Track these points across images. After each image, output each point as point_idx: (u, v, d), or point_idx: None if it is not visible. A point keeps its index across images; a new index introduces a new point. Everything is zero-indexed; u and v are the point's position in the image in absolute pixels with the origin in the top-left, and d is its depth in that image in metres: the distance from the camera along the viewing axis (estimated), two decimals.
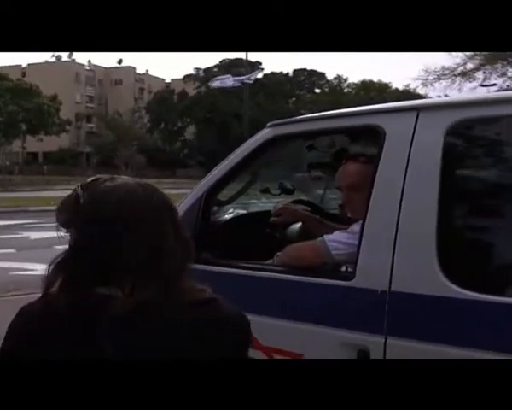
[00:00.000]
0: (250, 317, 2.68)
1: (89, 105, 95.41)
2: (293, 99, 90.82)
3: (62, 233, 1.43)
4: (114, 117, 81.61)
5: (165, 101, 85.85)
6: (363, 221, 2.56)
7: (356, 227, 2.71)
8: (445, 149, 2.43)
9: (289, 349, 2.62)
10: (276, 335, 2.70)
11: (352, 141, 3.43)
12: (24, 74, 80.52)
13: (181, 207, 3.07)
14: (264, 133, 3.12)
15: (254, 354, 2.66)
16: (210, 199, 3.25)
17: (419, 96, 39.64)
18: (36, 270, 10.82)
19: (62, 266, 1.42)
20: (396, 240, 2.43)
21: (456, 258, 2.47)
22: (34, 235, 16.63)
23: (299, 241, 3.17)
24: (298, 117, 3.14)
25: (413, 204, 2.45)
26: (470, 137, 2.62)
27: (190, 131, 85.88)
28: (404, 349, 2.34)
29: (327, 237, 2.80)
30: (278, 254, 3.03)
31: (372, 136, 2.83)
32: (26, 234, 17.26)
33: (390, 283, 2.40)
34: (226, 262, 3.01)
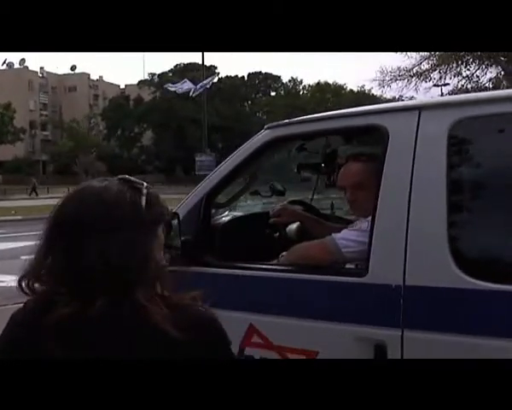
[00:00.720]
0: (260, 317, 2.76)
1: (43, 113, 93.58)
2: (249, 102, 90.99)
3: None
4: (71, 124, 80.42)
5: (121, 107, 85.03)
6: (373, 218, 2.61)
7: (364, 225, 2.76)
8: (449, 145, 2.51)
9: (303, 347, 2.64)
10: (288, 334, 2.72)
11: (350, 141, 3.48)
12: None
13: (181, 210, 3.08)
14: (264, 135, 3.13)
15: (267, 354, 2.72)
16: (210, 201, 3.26)
17: (374, 97, 40.10)
18: (4, 281, 10.59)
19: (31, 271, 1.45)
20: (407, 235, 2.49)
21: (469, 249, 2.54)
22: None
23: (298, 241, 3.20)
24: (297, 118, 3.15)
25: (422, 199, 2.51)
26: (472, 134, 2.69)
27: (148, 137, 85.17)
28: (421, 341, 2.41)
29: (335, 235, 2.84)
30: (283, 254, 3.06)
31: (374, 135, 2.89)
32: None
33: (404, 277, 2.45)
34: (231, 264, 3.01)
